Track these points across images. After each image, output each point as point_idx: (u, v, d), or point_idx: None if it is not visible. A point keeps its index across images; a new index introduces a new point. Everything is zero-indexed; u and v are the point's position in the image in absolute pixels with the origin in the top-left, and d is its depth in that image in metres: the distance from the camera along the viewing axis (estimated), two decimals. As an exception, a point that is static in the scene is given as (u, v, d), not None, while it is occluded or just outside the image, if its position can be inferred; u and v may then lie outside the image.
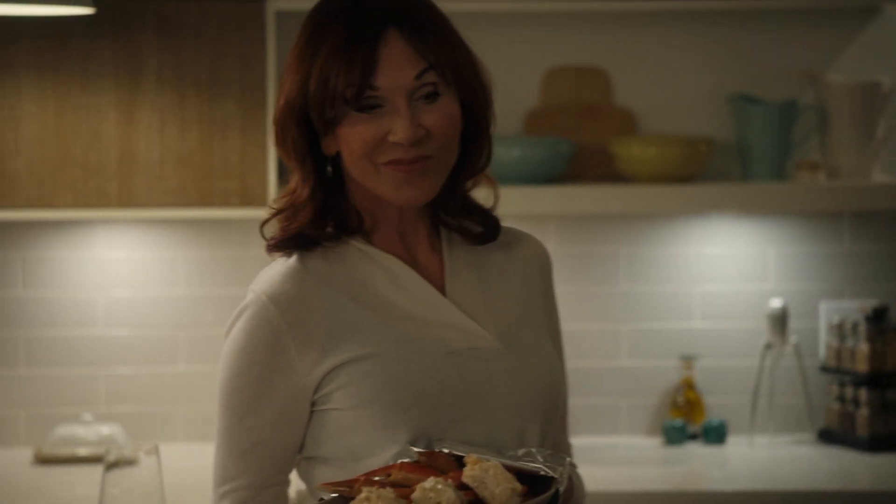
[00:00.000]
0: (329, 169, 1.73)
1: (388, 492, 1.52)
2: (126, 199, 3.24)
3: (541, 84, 3.56)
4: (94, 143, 3.22)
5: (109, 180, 3.23)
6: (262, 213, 3.22)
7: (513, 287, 1.79)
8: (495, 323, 1.75)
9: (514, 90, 3.51)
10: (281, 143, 1.73)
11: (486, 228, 1.79)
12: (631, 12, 3.50)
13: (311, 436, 1.74)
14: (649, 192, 3.39)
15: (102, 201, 3.23)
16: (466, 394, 1.70)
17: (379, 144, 1.67)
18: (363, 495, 1.52)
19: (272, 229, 1.75)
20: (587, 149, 3.54)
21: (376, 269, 1.74)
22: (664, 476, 3.30)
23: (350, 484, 1.58)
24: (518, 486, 1.54)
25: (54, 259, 3.50)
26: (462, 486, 1.55)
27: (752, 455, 3.43)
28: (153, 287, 3.53)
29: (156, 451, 1.80)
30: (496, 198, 1.79)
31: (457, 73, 1.69)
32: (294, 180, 1.74)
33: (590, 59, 3.58)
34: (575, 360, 3.58)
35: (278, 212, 1.75)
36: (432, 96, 1.68)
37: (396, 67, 1.66)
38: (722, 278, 3.60)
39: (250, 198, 3.26)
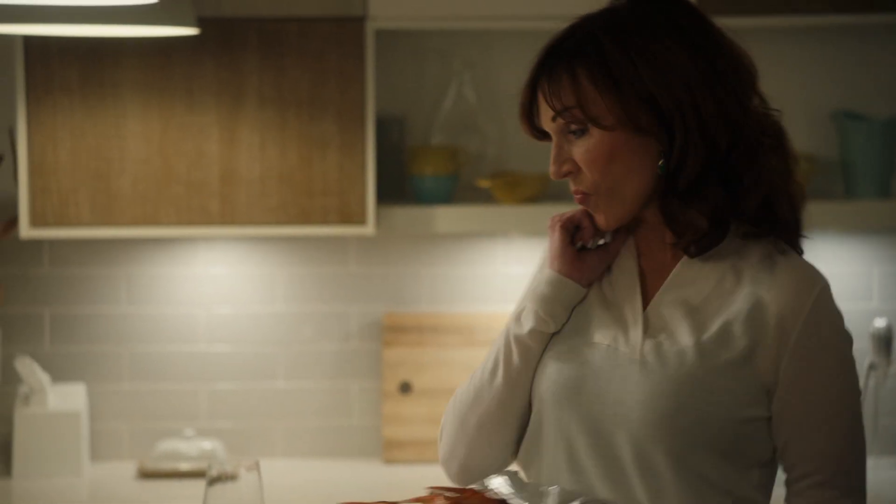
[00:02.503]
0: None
1: None
2: (227, 216, 3.28)
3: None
4: (196, 162, 3.26)
5: (211, 198, 3.27)
6: (360, 229, 3.27)
7: (727, 313, 1.75)
8: (664, 338, 1.75)
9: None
10: None
11: (687, 241, 1.77)
12: (731, 29, 3.46)
13: None
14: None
15: (204, 219, 3.27)
16: (576, 382, 1.76)
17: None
18: None
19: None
20: (687, 166, 3.51)
21: (619, 261, 1.83)
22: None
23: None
24: None
25: (157, 276, 3.55)
26: None
27: (856, 477, 3.37)
28: (253, 304, 3.57)
29: (256, 466, 1.82)
30: (799, 207, 1.81)
31: (601, 113, 1.72)
32: None
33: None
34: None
35: None
36: (580, 132, 1.75)
37: (543, 108, 1.77)
38: (824, 297, 3.54)
39: (349, 215, 3.29)
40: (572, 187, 1.77)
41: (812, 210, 3.30)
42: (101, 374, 3.55)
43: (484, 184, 3.38)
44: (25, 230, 3.26)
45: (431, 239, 3.56)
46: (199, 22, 3.01)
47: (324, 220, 3.29)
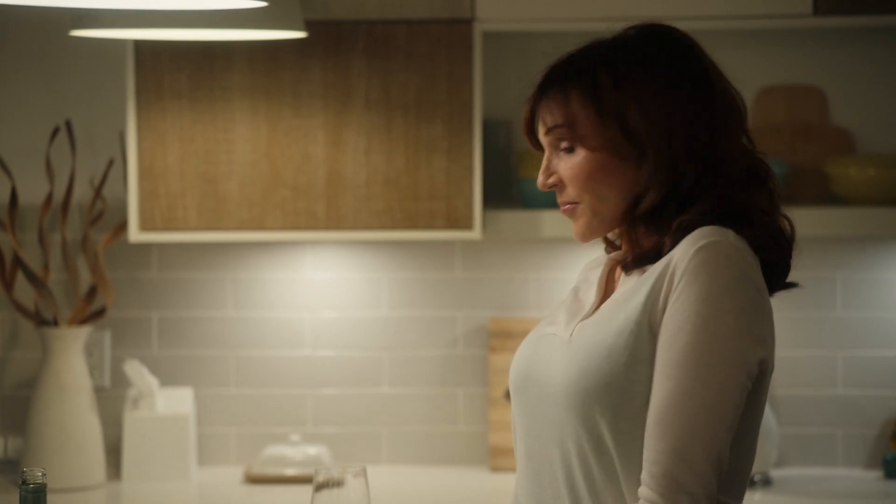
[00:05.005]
0: None
1: None
2: (334, 220, 3.31)
3: (753, 103, 3.51)
4: (303, 166, 3.30)
5: (318, 202, 3.30)
6: (467, 234, 3.28)
7: (634, 287, 1.86)
8: (593, 317, 1.89)
9: (725, 110, 3.46)
10: None
11: (626, 256, 1.91)
12: (847, 28, 3.43)
13: None
14: (867, 214, 3.31)
15: (311, 223, 3.31)
16: (525, 370, 1.92)
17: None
18: None
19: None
20: (801, 170, 3.48)
21: (597, 270, 1.99)
22: (883, 511, 3.21)
23: None
24: None
25: (264, 280, 3.60)
26: None
27: (979, 491, 3.30)
28: (359, 309, 3.60)
29: (363, 473, 1.84)
30: (791, 229, 1.89)
31: (587, 134, 1.87)
32: None
33: (804, 78, 3.51)
34: (789, 388, 3.51)
35: None
36: (568, 149, 1.90)
37: (540, 121, 1.93)
38: (946, 305, 3.48)
39: (455, 220, 3.30)
40: (558, 199, 1.92)
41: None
42: (207, 379, 3.60)
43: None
44: (134, 234, 3.32)
45: (538, 243, 3.56)
46: (307, 25, 3.04)
47: (430, 225, 3.30)
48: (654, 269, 1.83)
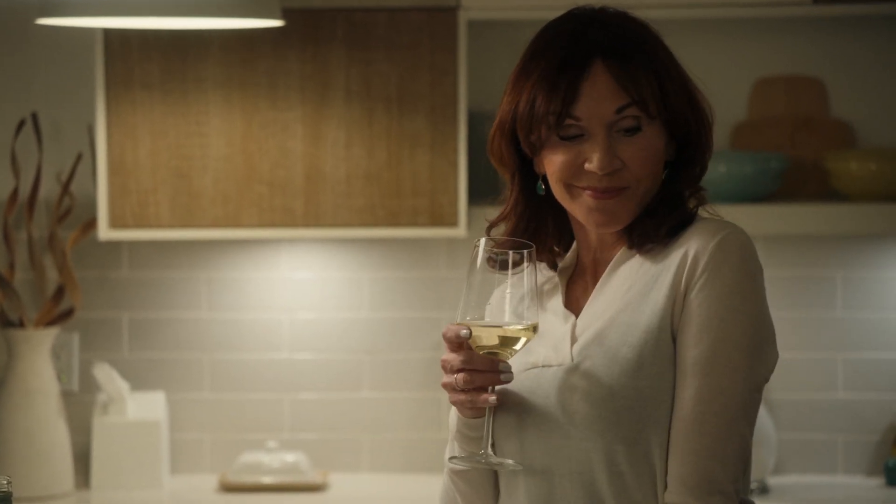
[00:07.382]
0: (542, 186, 1.89)
1: None
2: (312, 218, 3.29)
3: (750, 95, 3.50)
4: (280, 160, 3.29)
5: (295, 198, 3.29)
6: (451, 231, 3.27)
7: (635, 292, 1.82)
8: (590, 332, 1.82)
9: (721, 102, 3.39)
10: (494, 157, 1.92)
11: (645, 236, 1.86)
12: (848, 17, 3.43)
13: None
14: (868, 210, 3.30)
15: (288, 220, 3.29)
16: (521, 409, 1.82)
17: (576, 171, 1.83)
18: None
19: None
20: (800, 164, 3.47)
21: (548, 300, 1.91)
22: (885, 520, 3.21)
23: None
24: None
25: (239, 280, 3.58)
26: None
27: (984, 499, 3.31)
28: (339, 309, 3.58)
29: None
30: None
31: (664, 107, 1.82)
32: (506, 192, 1.94)
33: (803, 68, 3.51)
34: (787, 392, 3.50)
35: (493, 223, 1.97)
36: (633, 130, 1.81)
37: (598, 100, 1.81)
38: (950, 305, 3.48)
39: (440, 216, 3.29)
40: (602, 183, 1.81)
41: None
42: (180, 383, 3.59)
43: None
44: (104, 232, 3.30)
45: (527, 241, 3.55)
46: (284, 13, 3.03)
47: (413, 222, 3.29)
48: (662, 270, 1.80)
